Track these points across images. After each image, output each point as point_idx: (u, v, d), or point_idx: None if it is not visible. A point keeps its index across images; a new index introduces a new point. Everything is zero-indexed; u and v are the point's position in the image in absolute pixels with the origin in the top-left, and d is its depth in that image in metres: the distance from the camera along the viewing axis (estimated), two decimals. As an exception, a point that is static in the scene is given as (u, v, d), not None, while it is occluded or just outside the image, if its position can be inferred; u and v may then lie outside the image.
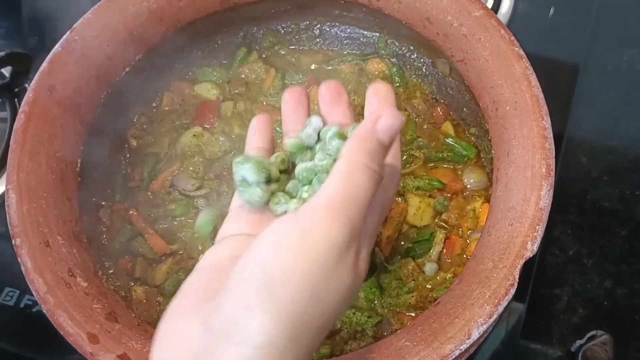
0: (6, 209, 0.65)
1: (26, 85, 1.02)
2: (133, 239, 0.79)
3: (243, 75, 0.91)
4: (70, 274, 0.64)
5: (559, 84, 0.98)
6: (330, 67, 0.92)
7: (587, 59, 1.03)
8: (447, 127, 0.86)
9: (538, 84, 0.69)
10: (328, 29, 0.92)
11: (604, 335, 0.84)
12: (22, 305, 0.86)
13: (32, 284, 0.63)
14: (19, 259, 0.64)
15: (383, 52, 0.91)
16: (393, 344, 0.60)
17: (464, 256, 0.78)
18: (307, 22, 0.92)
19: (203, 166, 0.84)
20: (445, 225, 0.80)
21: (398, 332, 0.62)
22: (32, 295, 0.66)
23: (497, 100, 0.71)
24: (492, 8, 1.04)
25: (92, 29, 0.75)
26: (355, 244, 0.44)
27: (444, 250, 0.79)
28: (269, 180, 0.51)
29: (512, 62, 0.71)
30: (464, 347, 0.59)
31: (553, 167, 0.65)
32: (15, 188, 0.66)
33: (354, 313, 0.75)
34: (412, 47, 0.89)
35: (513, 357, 0.83)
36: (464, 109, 0.86)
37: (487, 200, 0.79)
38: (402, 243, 0.80)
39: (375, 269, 0.78)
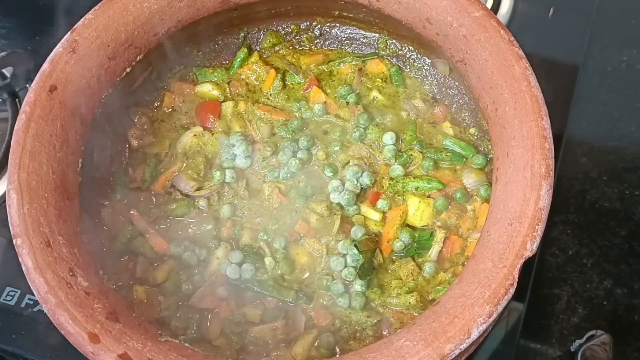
0: (7, 209, 0.66)
1: (27, 85, 1.03)
2: (134, 238, 0.79)
3: (243, 76, 0.91)
4: (71, 273, 0.64)
5: (558, 84, 0.98)
6: (330, 68, 0.92)
7: (586, 59, 1.03)
8: (447, 127, 0.86)
9: (537, 84, 0.70)
10: (328, 30, 0.92)
11: (603, 334, 0.84)
12: (23, 304, 0.86)
13: (33, 283, 0.63)
14: (20, 258, 0.64)
15: (383, 52, 0.91)
16: (393, 343, 0.60)
17: (464, 256, 0.79)
18: (307, 23, 0.92)
19: (204, 166, 0.84)
20: (445, 225, 0.80)
21: (398, 331, 0.62)
22: (33, 294, 0.66)
23: (496, 100, 0.72)
24: (491, 8, 1.04)
25: (92, 30, 0.75)
26: None
27: (444, 250, 0.79)
28: None
29: (512, 63, 0.71)
30: (463, 346, 0.59)
31: (552, 167, 0.66)
32: (16, 188, 0.66)
33: (353, 312, 0.75)
34: (412, 48, 0.89)
35: (513, 357, 0.84)
36: (464, 109, 0.86)
37: (486, 200, 0.79)
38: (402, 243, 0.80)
39: (375, 269, 0.78)
